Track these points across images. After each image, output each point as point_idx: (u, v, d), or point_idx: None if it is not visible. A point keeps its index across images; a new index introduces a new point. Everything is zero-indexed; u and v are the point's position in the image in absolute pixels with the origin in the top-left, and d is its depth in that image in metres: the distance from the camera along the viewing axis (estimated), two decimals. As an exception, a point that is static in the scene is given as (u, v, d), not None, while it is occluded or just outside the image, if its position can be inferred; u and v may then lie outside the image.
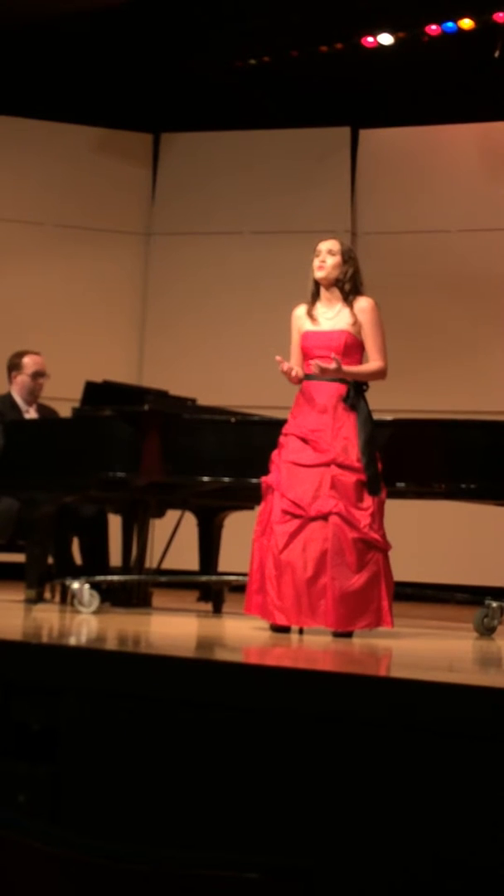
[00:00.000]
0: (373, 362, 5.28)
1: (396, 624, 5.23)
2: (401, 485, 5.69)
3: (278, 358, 5.26)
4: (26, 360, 6.87)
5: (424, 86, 9.85)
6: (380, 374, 5.31)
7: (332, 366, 5.16)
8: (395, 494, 5.63)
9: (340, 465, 5.11)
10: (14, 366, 6.90)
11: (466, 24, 9.29)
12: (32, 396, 6.87)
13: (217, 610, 6.60)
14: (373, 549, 5.04)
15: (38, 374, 6.86)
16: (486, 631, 5.68)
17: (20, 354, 6.93)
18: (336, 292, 5.34)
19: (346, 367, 5.21)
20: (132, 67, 10.09)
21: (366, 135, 10.33)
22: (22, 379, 6.85)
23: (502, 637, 5.63)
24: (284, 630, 5.10)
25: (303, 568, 4.99)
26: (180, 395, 6.97)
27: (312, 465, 5.13)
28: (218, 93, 10.27)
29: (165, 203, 10.63)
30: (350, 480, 5.08)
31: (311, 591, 4.98)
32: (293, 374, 5.26)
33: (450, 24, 9.35)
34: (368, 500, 5.10)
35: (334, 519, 5.01)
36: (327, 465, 5.11)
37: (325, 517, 5.02)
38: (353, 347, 5.28)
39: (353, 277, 5.33)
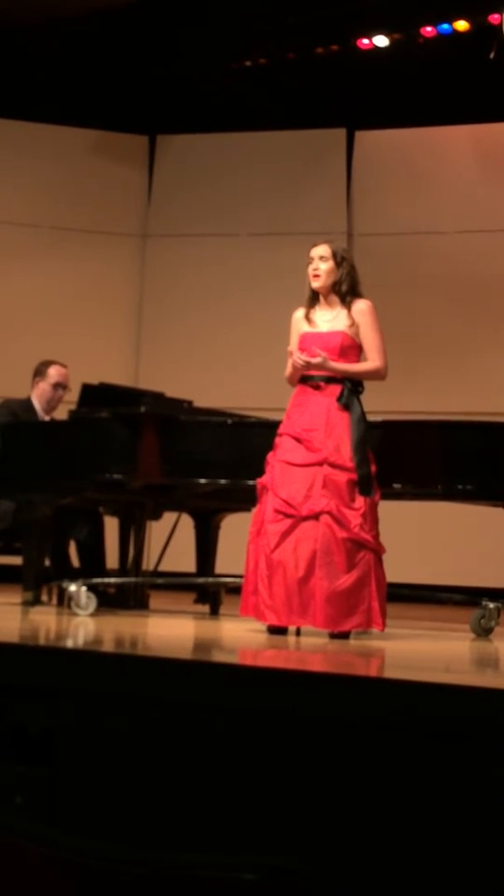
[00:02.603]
0: (369, 361, 5.28)
1: (393, 625, 5.23)
2: (397, 486, 5.69)
3: (291, 350, 5.25)
4: (51, 370, 6.87)
5: (420, 87, 9.86)
6: (377, 374, 5.29)
7: (317, 360, 5.16)
8: (392, 496, 5.63)
9: (332, 465, 5.10)
10: (39, 372, 6.91)
11: (461, 25, 9.31)
12: (49, 406, 6.86)
13: (214, 612, 6.60)
14: (363, 549, 5.04)
15: (58, 386, 6.85)
16: (483, 632, 5.68)
17: (47, 363, 6.93)
18: (333, 295, 5.34)
19: (334, 364, 5.20)
20: (128, 69, 10.10)
21: (361, 136, 10.34)
22: (43, 387, 6.86)
23: (499, 638, 5.64)
24: (281, 631, 5.10)
25: (294, 567, 4.99)
26: (177, 396, 6.97)
27: (305, 464, 5.12)
28: (214, 95, 10.28)
29: (161, 205, 10.64)
30: (342, 480, 5.08)
31: (301, 590, 4.98)
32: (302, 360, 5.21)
33: (445, 26, 9.37)
34: (360, 500, 5.08)
35: (325, 518, 5.01)
36: (319, 464, 5.11)
37: (316, 517, 5.02)
38: (350, 349, 5.28)
39: (348, 279, 5.31)
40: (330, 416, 5.19)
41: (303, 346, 5.30)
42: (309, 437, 5.15)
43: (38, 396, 6.87)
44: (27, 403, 6.88)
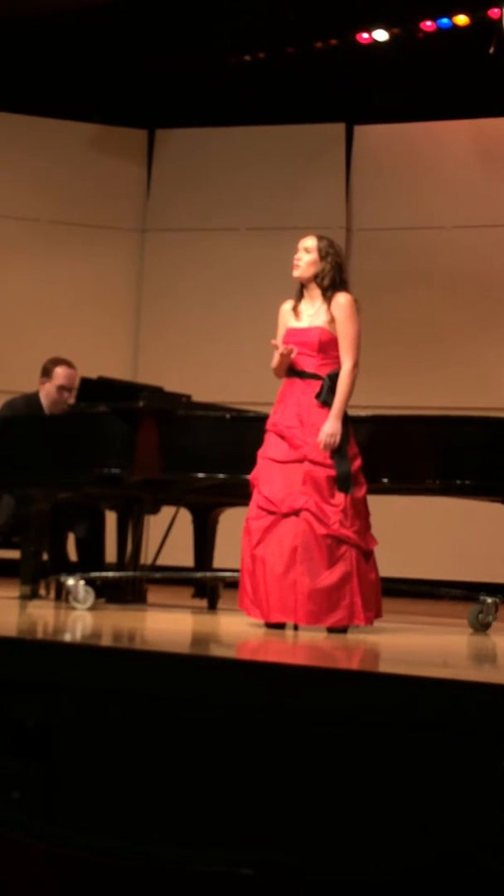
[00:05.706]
0: (343, 367, 5.20)
1: (391, 620, 5.23)
2: (396, 481, 5.68)
3: (275, 342, 5.25)
4: (58, 369, 6.62)
5: (419, 82, 9.85)
6: (352, 375, 5.22)
7: (331, 444, 5.12)
8: (391, 491, 5.63)
9: (313, 462, 5.12)
10: (45, 371, 6.67)
11: (461, 20, 9.30)
12: (56, 408, 6.60)
13: (212, 606, 6.60)
14: (344, 544, 5.04)
15: (63, 388, 6.61)
16: (481, 627, 5.68)
17: (55, 362, 6.67)
18: (315, 289, 5.34)
19: (335, 424, 5.11)
20: (127, 63, 10.08)
21: (361, 131, 10.33)
22: (48, 388, 6.63)
23: (497, 633, 5.64)
24: (279, 626, 5.11)
25: (274, 564, 5.02)
26: (175, 391, 6.96)
27: (286, 461, 5.15)
28: (213, 89, 10.26)
29: (160, 199, 10.63)
30: (321, 476, 5.10)
31: (282, 586, 5.00)
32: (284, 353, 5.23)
33: (445, 20, 9.36)
34: (340, 496, 5.09)
35: (305, 515, 5.03)
36: (300, 461, 5.13)
37: (296, 513, 5.04)
38: (329, 344, 5.26)
39: (330, 273, 5.30)
40: (309, 413, 5.17)
41: (287, 341, 5.31)
42: (291, 433, 5.17)
43: (43, 396, 6.67)
44: (35, 400, 6.70)
